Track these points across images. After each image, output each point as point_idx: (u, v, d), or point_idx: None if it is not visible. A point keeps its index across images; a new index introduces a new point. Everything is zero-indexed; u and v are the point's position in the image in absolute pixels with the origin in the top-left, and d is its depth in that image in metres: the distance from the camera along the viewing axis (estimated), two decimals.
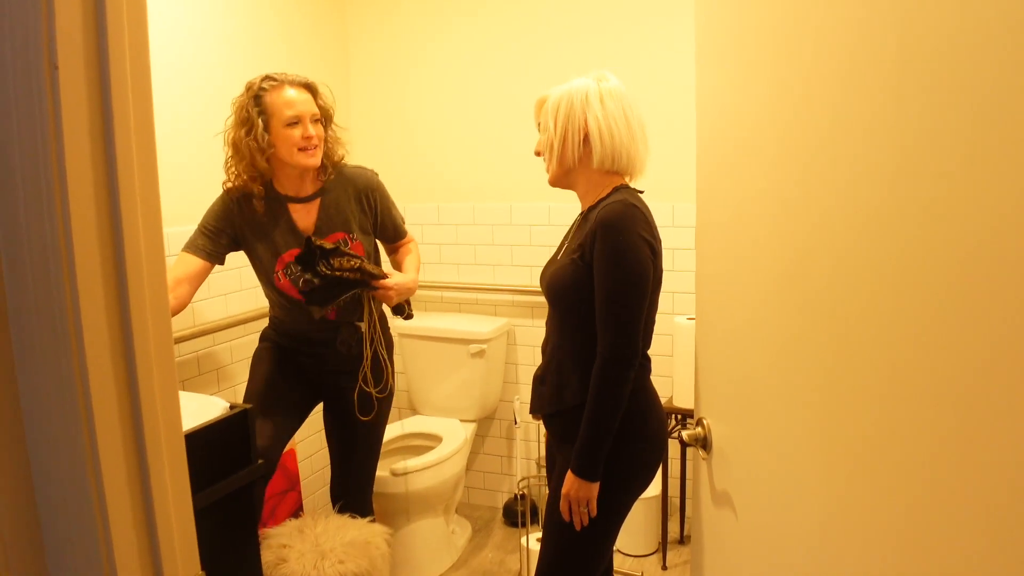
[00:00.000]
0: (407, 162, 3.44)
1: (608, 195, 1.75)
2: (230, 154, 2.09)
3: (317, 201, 2.20)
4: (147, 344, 0.76)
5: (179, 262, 2.09)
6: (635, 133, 1.76)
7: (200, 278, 2.12)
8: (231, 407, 1.52)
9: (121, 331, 0.74)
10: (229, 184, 2.13)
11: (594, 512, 1.73)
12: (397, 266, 2.45)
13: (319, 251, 2.06)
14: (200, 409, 1.47)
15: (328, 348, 2.30)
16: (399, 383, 3.59)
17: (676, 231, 3.01)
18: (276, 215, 2.16)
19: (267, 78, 2.07)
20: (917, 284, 0.62)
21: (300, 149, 2.06)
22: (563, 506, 1.75)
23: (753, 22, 1.01)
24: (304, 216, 2.19)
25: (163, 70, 2.41)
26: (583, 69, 1.85)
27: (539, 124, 1.87)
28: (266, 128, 2.03)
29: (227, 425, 1.48)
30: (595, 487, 1.71)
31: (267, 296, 2.31)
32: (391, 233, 2.38)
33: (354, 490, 2.46)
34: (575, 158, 1.77)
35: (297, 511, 3.00)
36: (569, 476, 1.73)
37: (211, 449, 1.45)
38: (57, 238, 0.69)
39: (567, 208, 3.14)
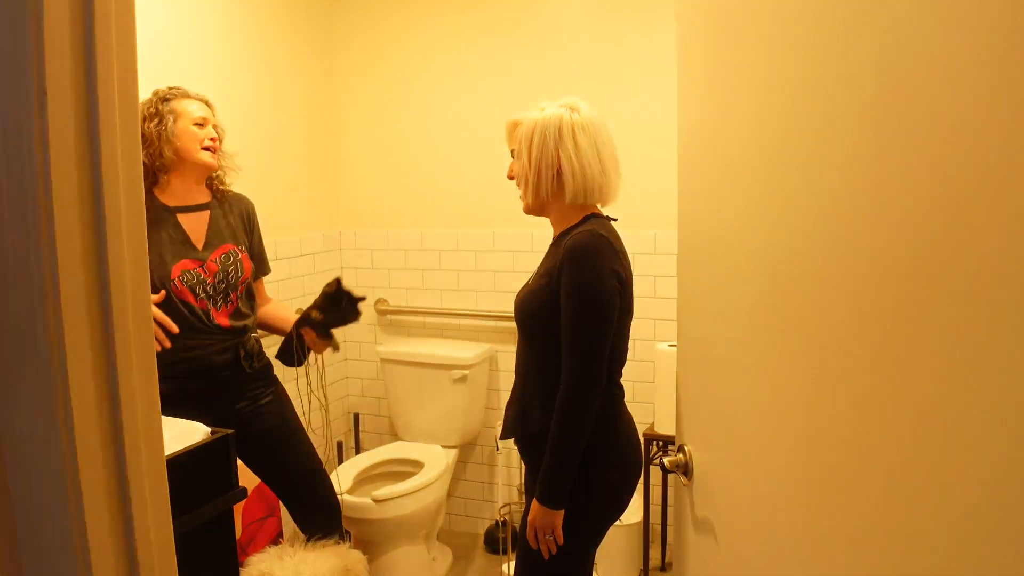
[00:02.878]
0: (391, 188, 3.45)
1: (579, 223, 1.76)
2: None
3: (206, 213, 2.24)
4: (130, 368, 0.76)
5: None
6: (606, 166, 1.77)
7: None
8: (212, 432, 1.52)
9: (105, 355, 0.74)
10: None
11: (560, 540, 1.72)
12: (273, 319, 2.50)
13: (347, 295, 2.27)
14: (181, 434, 1.46)
15: (229, 370, 2.23)
16: (381, 408, 3.58)
17: (658, 258, 3.03)
18: (166, 224, 2.15)
19: (173, 88, 2.17)
20: (896, 311, 0.63)
21: (204, 148, 2.14)
22: (529, 534, 1.75)
23: (735, 54, 1.03)
24: (193, 226, 2.20)
25: (148, 93, 2.41)
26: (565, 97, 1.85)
27: (512, 150, 1.88)
28: (174, 123, 2.11)
29: (208, 451, 1.47)
30: (559, 515, 1.70)
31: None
32: (258, 261, 2.39)
33: (317, 506, 2.40)
34: (548, 191, 1.78)
35: (277, 538, 2.97)
36: (534, 504, 1.73)
37: (191, 475, 1.43)
38: (42, 261, 0.70)
39: (550, 235, 3.16)
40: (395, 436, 3.37)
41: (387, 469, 3.11)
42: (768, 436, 0.94)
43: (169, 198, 2.17)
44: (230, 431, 1.53)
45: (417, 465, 3.04)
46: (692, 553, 1.36)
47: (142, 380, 0.78)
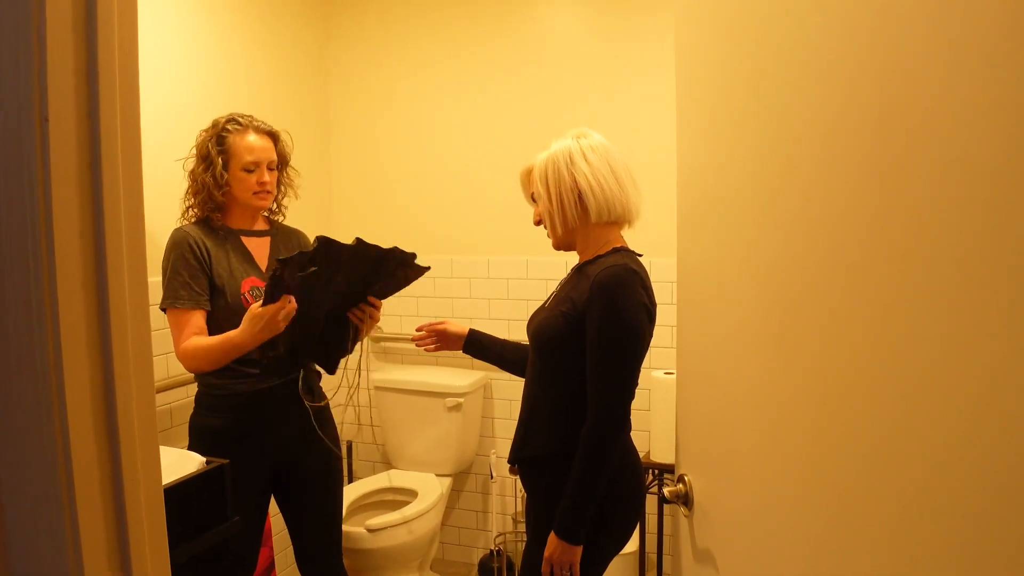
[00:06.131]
0: (385, 215, 3.45)
1: (607, 254, 1.76)
2: (188, 186, 2.13)
3: (267, 239, 2.25)
4: (129, 400, 0.75)
5: (193, 322, 2.03)
6: (623, 182, 1.78)
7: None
8: (207, 462, 1.50)
9: (103, 386, 0.73)
10: (186, 218, 2.15)
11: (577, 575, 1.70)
12: None
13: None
14: (175, 463, 1.44)
15: (288, 403, 2.20)
16: (375, 437, 3.55)
17: (653, 286, 3.02)
18: (232, 245, 2.16)
19: (232, 120, 2.12)
20: (901, 341, 0.63)
21: (254, 193, 2.13)
22: (544, 569, 1.72)
23: (737, 88, 1.03)
24: (256, 249, 2.21)
25: (147, 116, 2.41)
26: (561, 127, 1.88)
27: (531, 195, 1.89)
28: (225, 167, 2.08)
29: (203, 480, 1.45)
30: (578, 551, 1.68)
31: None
32: None
33: (325, 556, 2.35)
34: (575, 217, 1.78)
35: (269, 568, 2.94)
36: (552, 538, 1.70)
37: (185, 505, 1.42)
38: (42, 288, 0.69)
39: (545, 261, 3.16)
40: (388, 465, 3.34)
41: (380, 498, 3.09)
42: (771, 466, 0.93)
43: (232, 222, 2.18)
44: (225, 460, 1.51)
45: (411, 494, 3.01)
46: None
47: (141, 407, 0.77)
